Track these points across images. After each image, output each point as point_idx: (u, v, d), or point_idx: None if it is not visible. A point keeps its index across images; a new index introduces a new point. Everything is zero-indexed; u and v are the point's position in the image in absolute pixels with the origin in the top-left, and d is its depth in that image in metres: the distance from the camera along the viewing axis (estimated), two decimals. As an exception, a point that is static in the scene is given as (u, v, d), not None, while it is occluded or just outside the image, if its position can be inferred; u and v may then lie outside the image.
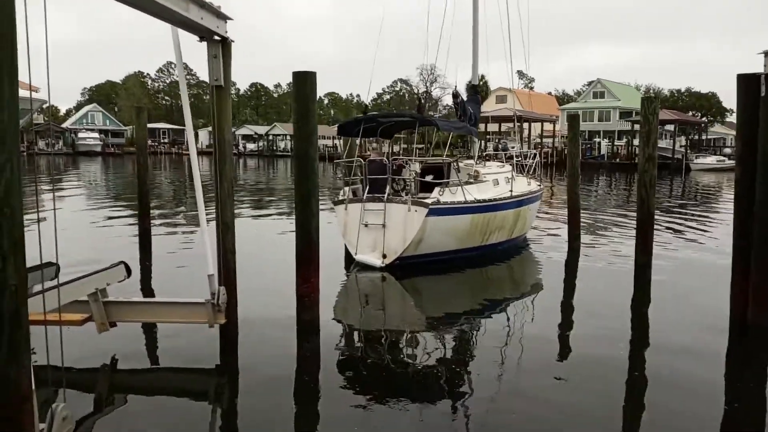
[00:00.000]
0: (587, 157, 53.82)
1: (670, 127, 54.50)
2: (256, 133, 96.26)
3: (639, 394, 5.71)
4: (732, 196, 6.66)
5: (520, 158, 15.12)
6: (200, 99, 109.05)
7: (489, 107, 60.56)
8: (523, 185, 13.49)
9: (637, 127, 56.94)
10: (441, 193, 11.03)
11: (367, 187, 11.42)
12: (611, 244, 13.77)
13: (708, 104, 76.06)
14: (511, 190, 12.34)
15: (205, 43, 5.99)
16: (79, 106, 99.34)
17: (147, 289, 9.33)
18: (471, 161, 13.37)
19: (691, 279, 10.36)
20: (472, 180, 11.91)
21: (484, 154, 14.55)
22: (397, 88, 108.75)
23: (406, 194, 11.06)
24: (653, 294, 9.28)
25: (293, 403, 5.52)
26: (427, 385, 5.90)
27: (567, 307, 8.93)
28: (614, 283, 10.10)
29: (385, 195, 10.96)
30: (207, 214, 6.00)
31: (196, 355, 6.48)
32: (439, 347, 7.16)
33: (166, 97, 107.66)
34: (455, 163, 11.97)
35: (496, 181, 12.54)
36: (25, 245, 2.80)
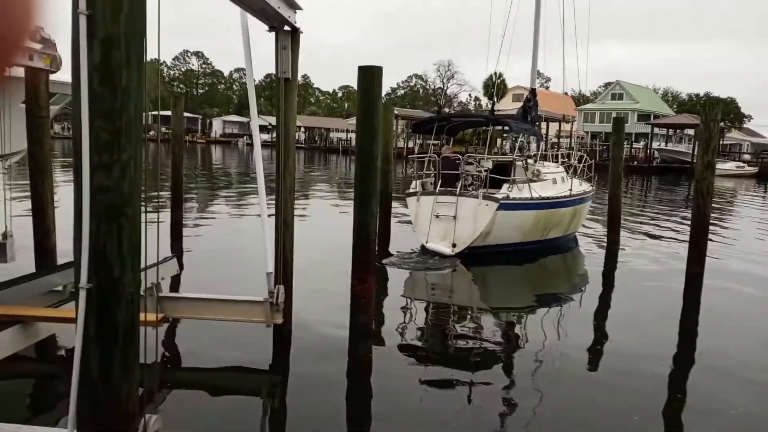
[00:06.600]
0: (604, 159, 53.24)
1: (690, 132, 53.87)
2: (270, 124, 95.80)
3: (676, 413, 5.49)
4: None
5: (566, 159, 15.68)
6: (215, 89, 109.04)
7: (506, 106, 60.07)
8: (577, 185, 14.00)
9: (657, 130, 56.56)
10: (510, 189, 11.61)
11: (440, 181, 12.01)
12: (648, 249, 13.55)
13: (726, 109, 75.11)
14: (570, 189, 13.09)
15: (272, 33, 5.77)
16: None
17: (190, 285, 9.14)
18: (530, 160, 13.84)
19: (742, 292, 10.03)
20: (534, 178, 12.46)
21: (540, 154, 14.77)
22: (412, 83, 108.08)
23: (475, 189, 11.72)
24: (705, 306, 9.01)
25: (344, 404, 5.44)
26: (480, 386, 5.75)
27: (616, 311, 8.78)
28: (659, 290, 9.93)
29: (457, 189, 11.58)
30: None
31: (249, 354, 6.28)
32: (494, 346, 7.06)
33: (181, 86, 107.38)
34: (524, 162, 12.64)
35: (554, 180, 13.15)
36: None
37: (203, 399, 5.44)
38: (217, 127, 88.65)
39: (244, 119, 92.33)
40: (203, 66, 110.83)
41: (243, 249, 10.86)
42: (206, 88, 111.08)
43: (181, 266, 9.84)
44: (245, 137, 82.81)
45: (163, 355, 6.18)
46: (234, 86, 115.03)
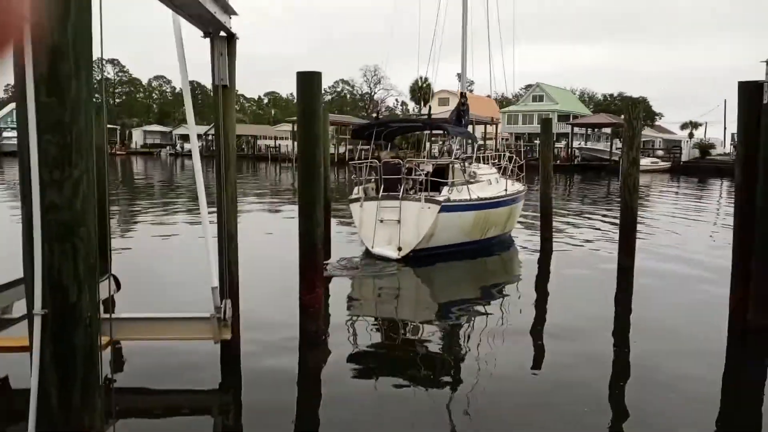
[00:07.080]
0: (528, 158, 55.00)
1: (607, 130, 56.59)
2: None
3: (628, 394, 5.75)
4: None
5: (496, 161, 16.09)
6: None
7: (432, 110, 60.99)
8: (511, 185, 14.35)
9: (576, 129, 59.01)
10: (450, 191, 11.91)
11: (382, 186, 12.10)
12: (579, 245, 14.08)
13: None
14: (505, 189, 13.43)
15: (206, 39, 5.59)
16: (2, 104, 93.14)
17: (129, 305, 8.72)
18: (466, 163, 14.14)
19: (668, 282, 10.57)
20: (472, 180, 12.77)
21: (471, 156, 15.01)
22: (339, 89, 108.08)
23: (416, 193, 11.86)
24: (637, 295, 9.45)
25: (297, 416, 5.38)
26: (430, 390, 5.79)
27: (555, 307, 9.00)
28: (593, 284, 10.35)
29: (400, 193, 11.74)
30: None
31: (198, 373, 6.06)
32: (442, 350, 7.11)
33: (96, 95, 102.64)
34: (461, 164, 12.97)
35: (489, 181, 13.50)
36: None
37: (155, 423, 5.24)
38: (137, 137, 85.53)
39: (165, 129, 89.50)
40: (119, 74, 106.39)
41: (179, 264, 10.50)
42: (123, 97, 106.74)
43: (117, 285, 9.39)
44: (168, 147, 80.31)
45: (110, 380, 5.86)
46: (153, 95, 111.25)
